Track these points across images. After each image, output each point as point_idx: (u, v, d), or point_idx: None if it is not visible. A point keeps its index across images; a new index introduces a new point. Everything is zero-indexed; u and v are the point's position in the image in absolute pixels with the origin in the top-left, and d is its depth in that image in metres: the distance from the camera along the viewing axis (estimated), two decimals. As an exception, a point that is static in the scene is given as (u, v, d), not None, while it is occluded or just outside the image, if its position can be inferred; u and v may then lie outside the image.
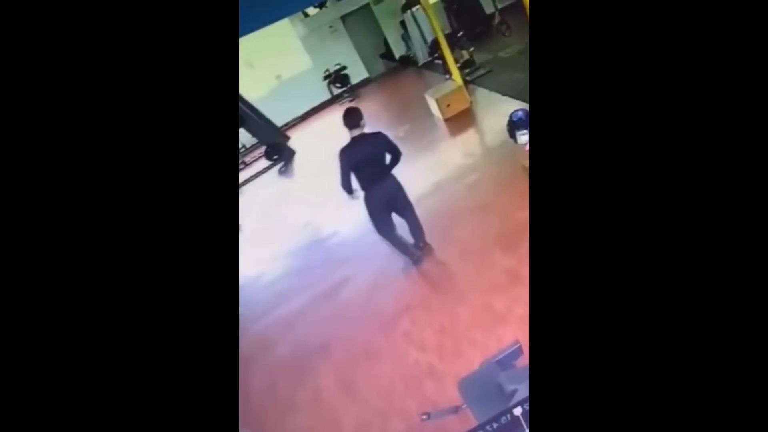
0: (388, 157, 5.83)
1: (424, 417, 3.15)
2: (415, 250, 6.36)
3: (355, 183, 5.89)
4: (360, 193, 5.97)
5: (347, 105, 16.90)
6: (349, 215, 8.17)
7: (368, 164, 5.77)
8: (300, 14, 16.93)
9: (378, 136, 5.82)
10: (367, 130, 5.74)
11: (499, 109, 8.85)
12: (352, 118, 5.74)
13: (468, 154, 8.72)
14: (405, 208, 6.21)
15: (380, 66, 19.62)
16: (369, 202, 5.99)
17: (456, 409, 3.32)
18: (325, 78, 18.19)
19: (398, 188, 6.03)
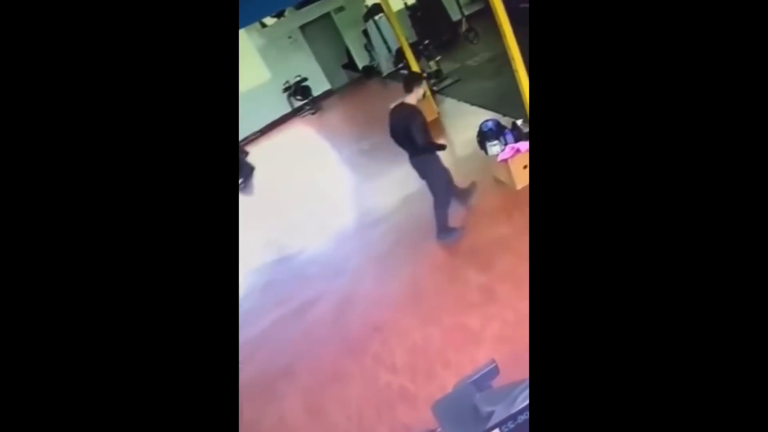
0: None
1: (399, 442, 3.15)
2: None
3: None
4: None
5: (308, 117, 17.02)
6: (315, 231, 8.15)
7: (397, 134, 6.04)
8: (257, 24, 16.87)
9: (407, 114, 5.89)
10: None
11: (468, 120, 8.92)
12: (404, 83, 6.06)
13: (437, 167, 8.79)
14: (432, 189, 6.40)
15: (343, 77, 19.61)
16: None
17: (431, 433, 3.32)
18: (285, 90, 18.16)
19: (429, 169, 6.21)
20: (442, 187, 6.36)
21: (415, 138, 5.79)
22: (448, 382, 4.14)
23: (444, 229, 6.49)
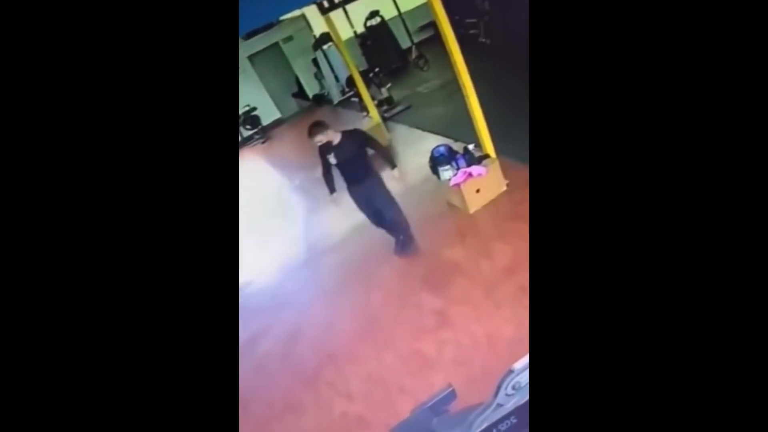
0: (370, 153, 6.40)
1: (355, 470, 3.11)
2: (402, 235, 6.86)
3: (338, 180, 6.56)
4: (336, 195, 6.61)
5: (258, 146, 16.94)
6: (264, 263, 8.07)
7: (348, 163, 6.31)
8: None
9: (354, 133, 6.34)
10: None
11: (420, 146, 8.99)
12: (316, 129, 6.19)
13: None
14: (383, 207, 6.63)
15: (293, 106, 19.60)
16: (353, 197, 6.68)
17: (388, 460, 3.28)
18: (235, 120, 18.06)
19: (378, 185, 6.53)
20: (393, 205, 6.65)
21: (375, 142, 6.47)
22: (404, 408, 4.10)
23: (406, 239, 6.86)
